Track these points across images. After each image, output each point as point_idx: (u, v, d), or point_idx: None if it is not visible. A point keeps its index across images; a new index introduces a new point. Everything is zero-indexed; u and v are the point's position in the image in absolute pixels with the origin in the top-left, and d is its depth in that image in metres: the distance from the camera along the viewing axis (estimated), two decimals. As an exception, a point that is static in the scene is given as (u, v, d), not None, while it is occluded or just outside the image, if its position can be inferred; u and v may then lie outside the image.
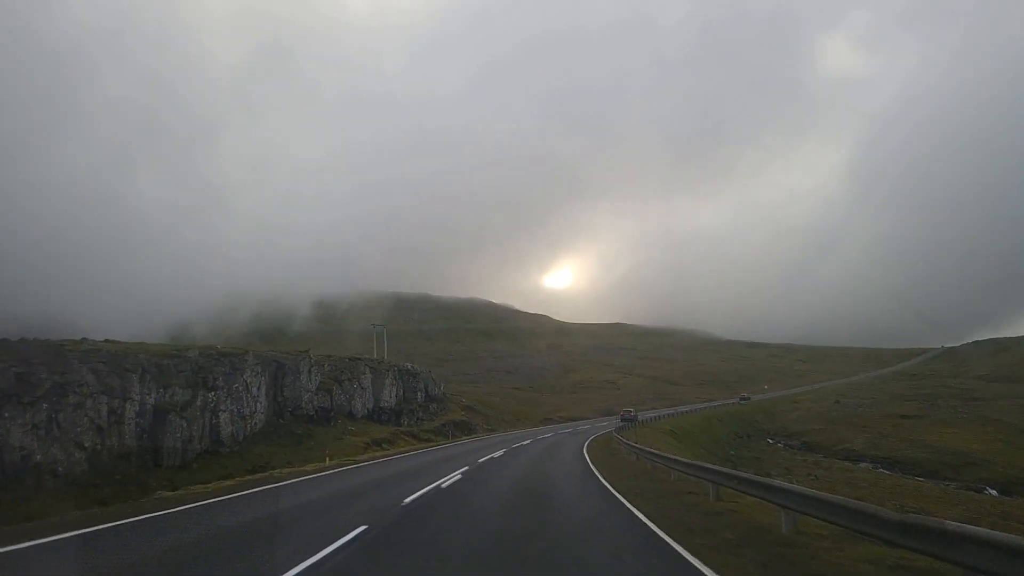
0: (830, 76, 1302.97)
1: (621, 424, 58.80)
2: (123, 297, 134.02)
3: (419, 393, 66.78)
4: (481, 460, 26.33)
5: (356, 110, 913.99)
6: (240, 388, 39.09)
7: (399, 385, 63.79)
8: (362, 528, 10.40)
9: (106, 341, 37.94)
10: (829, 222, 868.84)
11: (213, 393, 36.79)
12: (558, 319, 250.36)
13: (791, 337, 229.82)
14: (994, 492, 63.06)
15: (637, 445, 28.45)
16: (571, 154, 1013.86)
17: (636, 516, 12.40)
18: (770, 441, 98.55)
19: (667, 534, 10.37)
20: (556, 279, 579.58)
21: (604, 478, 19.68)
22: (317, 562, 8.12)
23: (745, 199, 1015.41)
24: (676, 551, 9.13)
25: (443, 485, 16.70)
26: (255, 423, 40.56)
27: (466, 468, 22.14)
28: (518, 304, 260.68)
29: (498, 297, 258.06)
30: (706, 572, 7.92)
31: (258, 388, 41.18)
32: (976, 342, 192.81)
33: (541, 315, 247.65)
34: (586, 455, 30.21)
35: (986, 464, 75.92)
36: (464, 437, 55.54)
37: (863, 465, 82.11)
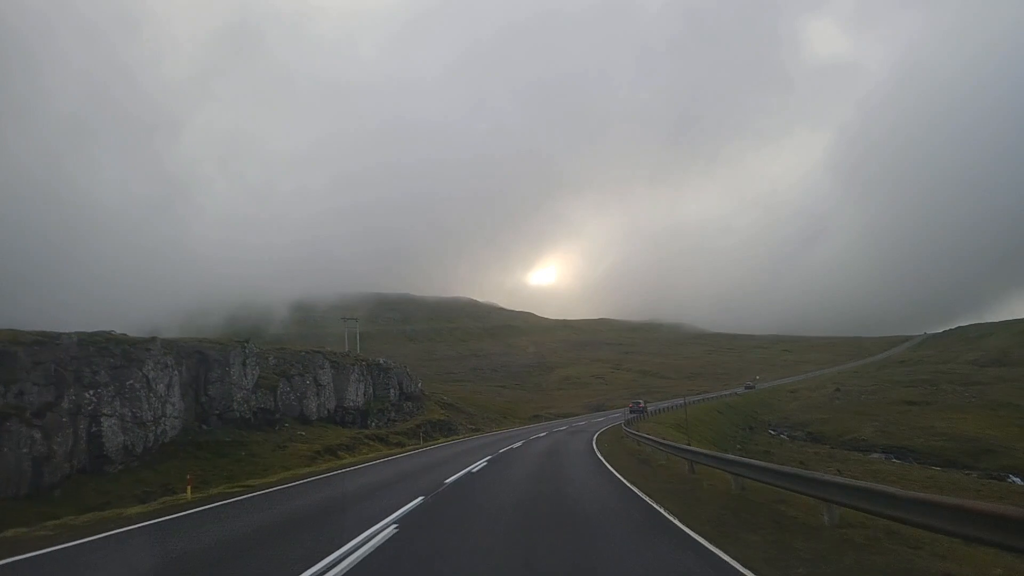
0: (817, 61, 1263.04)
1: (631, 416, 51.90)
2: (83, 296, 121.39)
3: (392, 391, 56.10)
4: (451, 479, 15.95)
5: (331, 100, 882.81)
6: (138, 385, 28.28)
7: (368, 382, 53.09)
8: None
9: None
10: (814, 213, 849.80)
11: (92, 392, 25.98)
12: (543, 316, 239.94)
13: (775, 328, 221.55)
14: (1018, 480, 55.41)
15: (689, 447, 17.94)
16: (554, 148, 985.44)
17: None
18: (772, 433, 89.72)
19: None
20: (540, 276, 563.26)
21: (686, 525, 9.32)
22: None
23: (730, 191, 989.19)
24: None
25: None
26: (163, 431, 29.73)
27: (419, 501, 11.82)
28: (502, 302, 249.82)
29: (482, 296, 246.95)
30: None
31: (167, 385, 30.36)
32: (959, 328, 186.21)
33: (526, 312, 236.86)
34: (607, 464, 19.89)
35: (1005, 451, 68.54)
36: (442, 439, 44.95)
37: (875, 456, 74.18)
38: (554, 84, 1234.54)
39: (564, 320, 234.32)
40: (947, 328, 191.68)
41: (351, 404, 49.01)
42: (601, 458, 22.28)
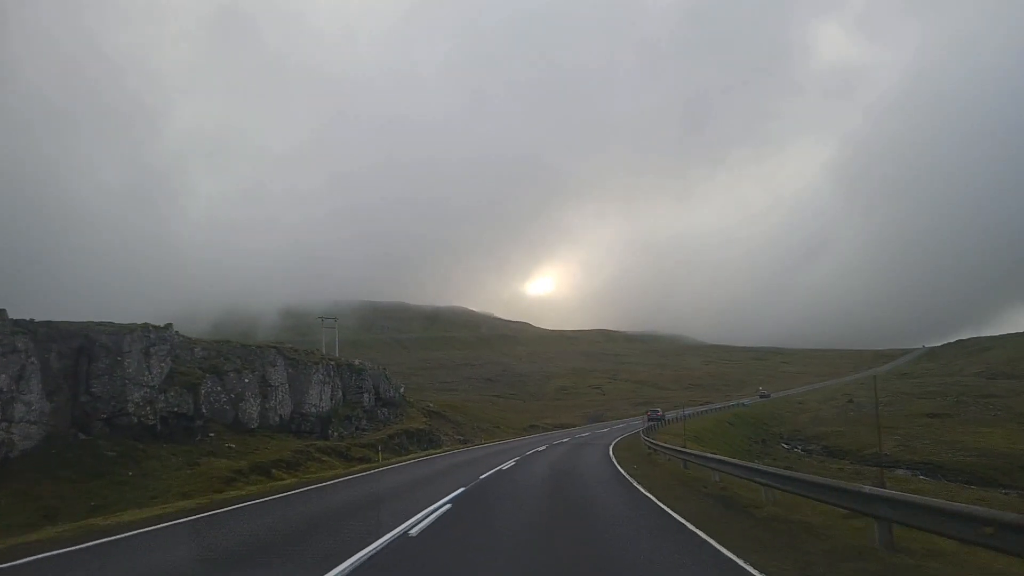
0: (824, 67, 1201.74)
1: (648, 425, 47.68)
2: (60, 296, 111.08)
3: (365, 396, 46.26)
4: (347, 567, 6.32)
5: (325, 94, 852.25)
6: (-43, 375, 18.59)
7: (335, 384, 43.31)
8: None
9: None
10: (816, 225, 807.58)
11: None
12: (540, 326, 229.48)
13: (772, 340, 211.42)
14: (1066, 501, 45.35)
15: (888, 493, 7.99)
16: (554, 152, 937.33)
17: None
18: (785, 446, 79.97)
19: None
20: (538, 286, 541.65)
21: None
22: None
23: (732, 201, 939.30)
24: None
25: None
26: (6, 441, 19.99)
27: None
28: (499, 312, 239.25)
29: (478, 305, 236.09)
30: None
31: (17, 378, 20.68)
32: (959, 341, 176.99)
33: (522, 323, 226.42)
34: (668, 510, 10.30)
35: (1043, 468, 58.91)
36: (416, 454, 35.06)
37: (900, 472, 64.36)
38: (555, 86, 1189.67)
39: (561, 331, 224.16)
40: (946, 341, 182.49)
41: (312, 410, 39.22)
42: (647, 493, 12.64)
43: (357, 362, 50.94)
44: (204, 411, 28.42)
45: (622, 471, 17.70)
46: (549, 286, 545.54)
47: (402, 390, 56.56)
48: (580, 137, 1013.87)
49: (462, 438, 52.39)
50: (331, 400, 42.63)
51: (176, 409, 26.83)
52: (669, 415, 70.76)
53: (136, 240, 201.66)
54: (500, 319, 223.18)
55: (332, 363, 44.96)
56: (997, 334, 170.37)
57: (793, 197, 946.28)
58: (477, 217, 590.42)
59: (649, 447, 26.54)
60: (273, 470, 26.14)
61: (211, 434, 28.27)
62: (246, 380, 31.31)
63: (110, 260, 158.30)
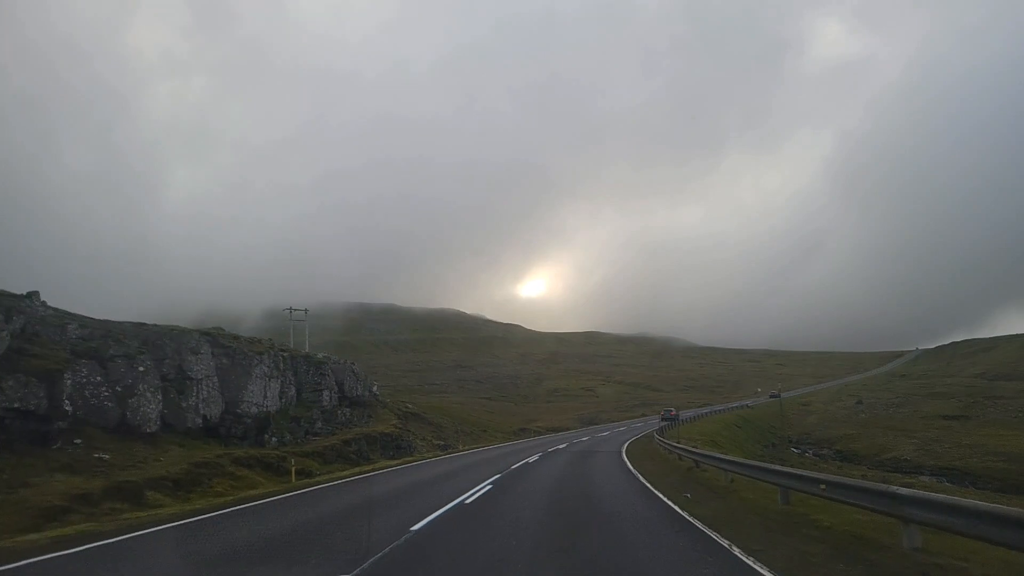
0: (822, 62, 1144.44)
1: (663, 424, 46.13)
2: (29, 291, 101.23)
3: (326, 393, 37.84)
4: None
5: (311, 87, 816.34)
6: None
7: (286, 380, 34.96)
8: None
9: None
10: (812, 226, 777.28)
11: None
12: (531, 328, 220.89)
13: (766, 343, 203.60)
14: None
15: None
16: (547, 152, 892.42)
17: None
18: (795, 450, 72.22)
19: None
20: (530, 288, 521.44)
21: None
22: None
23: (726, 203, 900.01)
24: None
25: None
26: None
27: None
28: (490, 314, 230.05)
29: (469, 307, 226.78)
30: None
31: None
32: (952, 343, 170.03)
33: (514, 324, 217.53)
34: None
35: (1079, 473, 52.57)
36: (375, 465, 26.48)
37: (924, 479, 57.48)
38: (549, 84, 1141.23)
39: (553, 332, 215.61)
40: (940, 344, 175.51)
41: (253, 409, 30.77)
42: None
43: (320, 355, 42.59)
44: (69, 409, 19.91)
45: (676, 508, 9.52)
46: (541, 288, 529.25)
47: (375, 388, 48.13)
48: (573, 137, 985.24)
49: (442, 443, 43.99)
50: (280, 398, 34.20)
51: (18, 405, 18.33)
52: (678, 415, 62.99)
53: (112, 234, 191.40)
54: (491, 321, 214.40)
55: (284, 354, 36.50)
56: (990, 336, 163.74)
57: (789, 197, 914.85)
58: (469, 217, 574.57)
59: (682, 455, 18.29)
60: (149, 492, 17.67)
61: (77, 441, 19.79)
62: (140, 369, 22.79)
63: (86, 260, 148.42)
